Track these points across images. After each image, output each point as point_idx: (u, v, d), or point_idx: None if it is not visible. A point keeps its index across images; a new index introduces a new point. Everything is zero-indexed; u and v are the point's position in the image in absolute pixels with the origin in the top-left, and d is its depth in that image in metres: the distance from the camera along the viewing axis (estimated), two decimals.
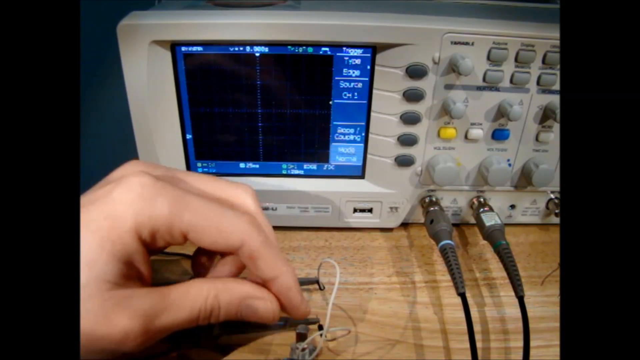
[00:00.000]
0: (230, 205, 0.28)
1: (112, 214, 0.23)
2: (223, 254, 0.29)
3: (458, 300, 0.32)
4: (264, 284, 0.27)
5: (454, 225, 0.42)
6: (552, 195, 0.42)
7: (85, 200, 0.24)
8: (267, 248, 0.26)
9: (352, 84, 0.37)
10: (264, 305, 0.27)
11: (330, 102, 0.38)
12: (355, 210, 0.42)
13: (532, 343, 0.30)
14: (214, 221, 0.25)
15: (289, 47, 0.36)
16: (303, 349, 0.28)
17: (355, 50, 0.36)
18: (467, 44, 0.34)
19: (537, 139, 0.38)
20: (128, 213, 0.23)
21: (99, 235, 0.23)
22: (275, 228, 0.30)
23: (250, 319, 0.27)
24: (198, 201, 0.25)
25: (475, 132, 0.38)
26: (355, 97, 0.38)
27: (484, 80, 0.36)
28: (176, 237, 0.25)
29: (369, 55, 0.36)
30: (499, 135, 0.38)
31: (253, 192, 0.29)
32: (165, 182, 0.25)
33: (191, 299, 0.25)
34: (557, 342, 0.32)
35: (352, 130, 0.39)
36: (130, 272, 0.24)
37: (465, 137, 0.38)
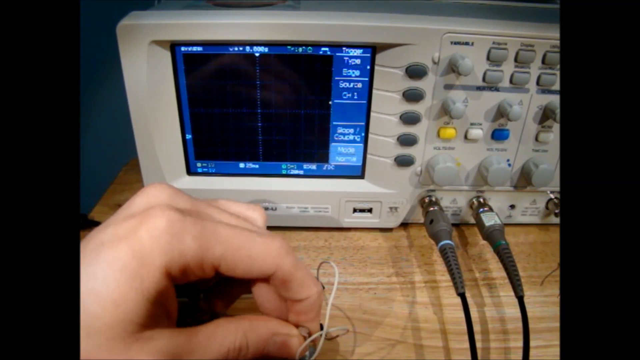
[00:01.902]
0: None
1: (140, 252, 0.22)
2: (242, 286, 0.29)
3: (458, 300, 0.32)
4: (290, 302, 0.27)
5: (454, 225, 0.42)
6: (551, 195, 0.42)
7: (109, 236, 0.23)
8: (300, 270, 0.26)
9: (352, 84, 0.37)
10: (290, 341, 0.27)
11: (330, 102, 0.38)
12: (354, 210, 0.42)
13: (532, 343, 0.30)
14: (246, 250, 0.25)
15: (289, 47, 0.36)
16: (303, 350, 0.28)
17: (355, 50, 0.36)
18: (466, 44, 0.34)
19: (536, 139, 0.38)
20: (157, 251, 0.22)
21: (127, 275, 0.22)
22: (275, 228, 0.30)
23: (278, 355, 0.27)
24: (227, 231, 0.24)
25: (475, 132, 0.38)
26: (355, 97, 0.38)
27: (483, 80, 0.36)
28: (207, 270, 0.24)
29: (368, 55, 0.36)
30: (498, 135, 0.38)
31: (263, 212, 0.29)
32: (192, 216, 0.24)
33: (219, 339, 0.25)
34: (557, 342, 0.32)
35: (351, 130, 0.39)
36: (158, 311, 0.23)
37: (465, 137, 0.38)
